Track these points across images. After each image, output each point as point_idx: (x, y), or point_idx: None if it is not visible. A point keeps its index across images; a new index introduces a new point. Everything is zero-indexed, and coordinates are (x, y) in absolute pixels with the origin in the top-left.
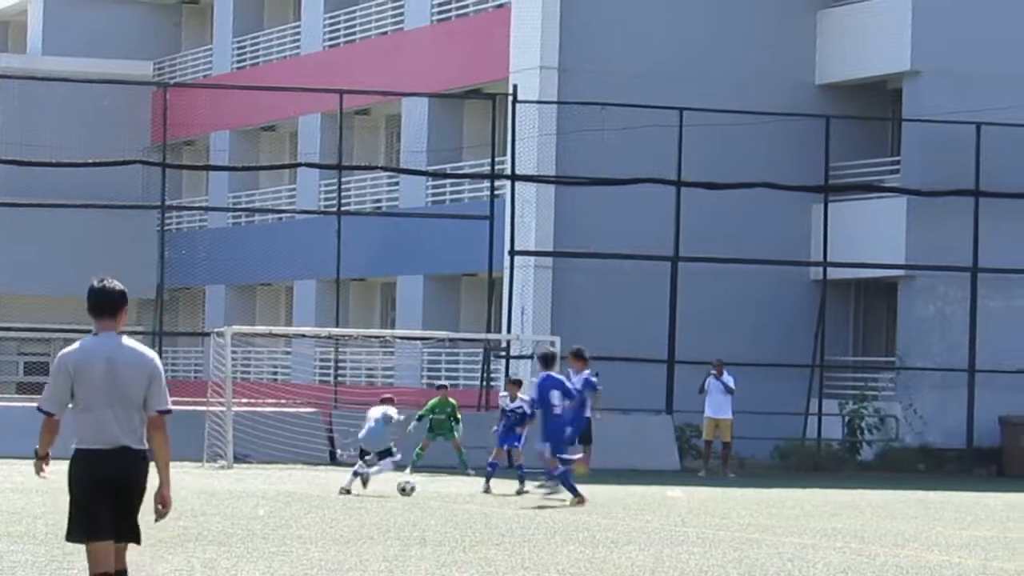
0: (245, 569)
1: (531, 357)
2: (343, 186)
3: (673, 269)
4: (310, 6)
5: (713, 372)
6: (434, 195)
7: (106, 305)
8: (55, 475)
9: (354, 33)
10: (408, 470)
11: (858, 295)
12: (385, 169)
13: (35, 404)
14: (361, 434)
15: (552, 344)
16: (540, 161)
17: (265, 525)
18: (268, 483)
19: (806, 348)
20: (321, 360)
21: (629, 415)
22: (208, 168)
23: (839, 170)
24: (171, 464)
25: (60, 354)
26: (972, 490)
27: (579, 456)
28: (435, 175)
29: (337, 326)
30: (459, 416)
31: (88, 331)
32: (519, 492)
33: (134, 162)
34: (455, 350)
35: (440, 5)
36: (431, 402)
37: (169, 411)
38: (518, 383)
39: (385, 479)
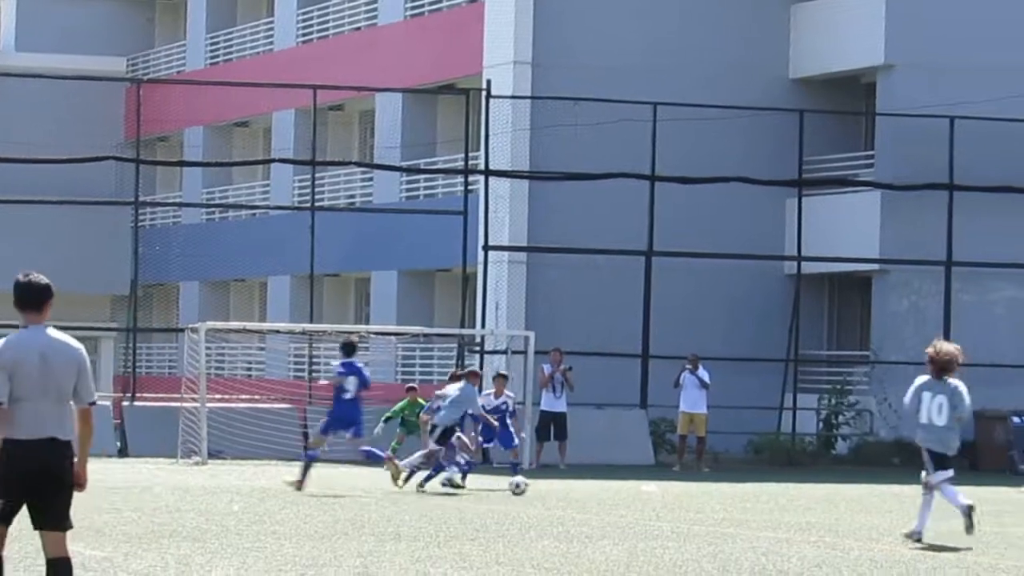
0: (219, 565)
1: (505, 352)
2: (317, 182)
3: (647, 264)
4: (283, 2)
5: (688, 367)
6: (408, 190)
7: (32, 299)
8: None
9: (327, 29)
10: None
11: (832, 289)
12: (359, 165)
13: None
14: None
15: (527, 339)
16: (514, 156)
17: (239, 521)
18: (242, 479)
19: (780, 342)
20: (295, 356)
21: (603, 410)
22: (182, 164)
23: (813, 164)
24: (145, 460)
25: None
26: None
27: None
28: (409, 171)
29: (311, 322)
30: None
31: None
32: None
33: (107, 158)
34: (429, 345)
35: (413, 0)
36: (400, 403)
37: (95, 403)
38: (504, 377)
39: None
